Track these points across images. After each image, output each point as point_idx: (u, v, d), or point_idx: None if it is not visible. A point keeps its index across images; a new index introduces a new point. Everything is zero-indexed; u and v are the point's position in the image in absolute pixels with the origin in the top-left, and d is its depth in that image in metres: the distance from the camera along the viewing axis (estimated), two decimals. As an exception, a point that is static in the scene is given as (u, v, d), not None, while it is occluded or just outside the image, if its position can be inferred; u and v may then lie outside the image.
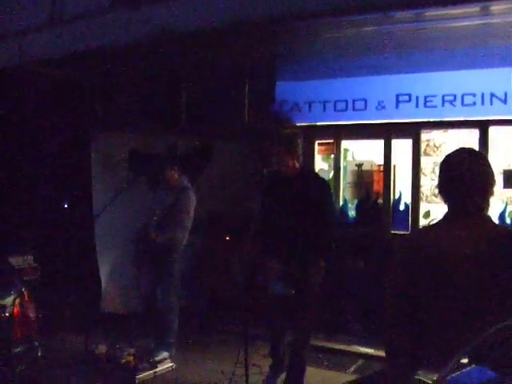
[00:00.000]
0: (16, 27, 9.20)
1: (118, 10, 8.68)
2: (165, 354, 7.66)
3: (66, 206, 9.64)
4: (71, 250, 9.09)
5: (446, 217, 3.28)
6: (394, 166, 9.10)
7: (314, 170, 8.98)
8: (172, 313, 7.71)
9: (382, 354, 3.33)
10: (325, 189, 6.41)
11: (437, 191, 3.34)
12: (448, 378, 2.27)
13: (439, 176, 3.31)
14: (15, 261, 7.76)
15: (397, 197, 9.14)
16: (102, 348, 7.48)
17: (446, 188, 3.26)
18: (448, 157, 3.33)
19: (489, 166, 3.24)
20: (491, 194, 3.23)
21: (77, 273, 8.81)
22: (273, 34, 7.71)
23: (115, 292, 9.05)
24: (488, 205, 3.23)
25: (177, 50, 8.31)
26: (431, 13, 7.00)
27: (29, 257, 8.17)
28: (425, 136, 8.97)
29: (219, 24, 7.50)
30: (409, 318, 3.14)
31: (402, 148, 9.07)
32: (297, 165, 6.35)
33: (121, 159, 8.70)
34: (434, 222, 3.60)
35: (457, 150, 3.35)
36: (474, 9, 6.88)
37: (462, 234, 3.09)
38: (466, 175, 3.14)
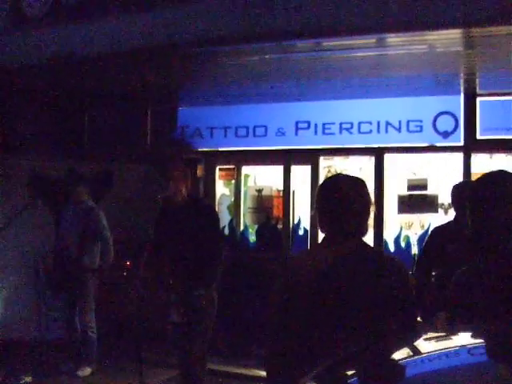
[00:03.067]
0: None
1: (20, 31, 8.58)
2: (88, 369, 7.73)
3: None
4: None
5: (321, 242, 3.32)
6: (294, 192, 9.24)
7: (203, 197, 9.02)
8: (92, 332, 7.74)
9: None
10: (212, 216, 6.49)
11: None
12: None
13: (315, 202, 3.35)
14: None
15: (296, 222, 9.27)
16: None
17: (320, 214, 3.29)
18: (323, 183, 3.40)
19: (364, 190, 3.25)
20: (366, 219, 3.27)
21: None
22: (175, 60, 7.75)
23: (11, 318, 8.80)
24: (364, 230, 3.26)
25: (80, 73, 8.24)
26: (329, 43, 7.20)
27: None
28: (325, 162, 9.16)
29: (121, 48, 7.52)
30: (286, 340, 3.18)
31: (301, 174, 9.22)
32: (186, 192, 6.40)
33: (19, 182, 8.52)
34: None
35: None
36: (371, 40, 7.12)
37: (328, 254, 3.13)
38: (337, 201, 3.17)
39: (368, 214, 3.24)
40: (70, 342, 7.83)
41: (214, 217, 6.52)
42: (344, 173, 3.59)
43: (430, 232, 6.20)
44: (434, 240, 5.94)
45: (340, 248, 3.14)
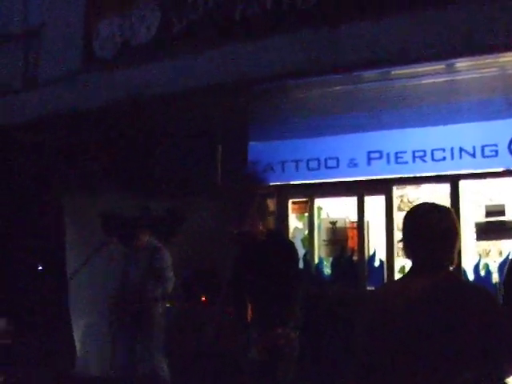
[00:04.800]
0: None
1: (92, 73, 8.82)
2: None
3: (40, 268, 9.56)
4: (45, 314, 8.97)
5: (409, 272, 3.26)
6: (368, 223, 9.13)
7: (282, 232, 8.98)
8: (162, 371, 7.67)
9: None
10: (292, 252, 6.43)
11: (401, 246, 3.34)
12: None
13: (402, 231, 3.30)
14: None
15: (371, 253, 9.15)
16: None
17: (407, 243, 3.25)
18: (410, 212, 3.33)
19: (451, 220, 3.21)
20: (455, 248, 3.21)
21: (51, 336, 8.68)
22: (245, 96, 7.83)
23: (90, 355, 8.92)
24: (453, 259, 3.20)
25: (151, 112, 8.39)
26: (397, 71, 7.16)
27: (2, 320, 8.06)
28: (398, 192, 9.04)
29: (193, 86, 7.65)
30: (372, 372, 3.12)
31: (375, 204, 9.12)
32: (265, 228, 6.37)
33: (93, 222, 8.67)
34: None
35: (420, 204, 3.35)
36: (439, 66, 7.05)
37: (417, 286, 3.07)
38: (426, 231, 3.13)
39: (456, 243, 3.18)
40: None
41: (294, 253, 6.46)
42: (427, 201, 3.51)
43: (509, 263, 5.90)
44: None
45: (430, 278, 3.09)
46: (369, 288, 8.88)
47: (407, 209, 9.08)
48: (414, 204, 8.99)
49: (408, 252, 3.24)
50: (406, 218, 3.28)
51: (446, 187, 8.59)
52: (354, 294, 8.83)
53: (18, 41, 10.73)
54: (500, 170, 8.19)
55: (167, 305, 7.94)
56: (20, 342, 8.27)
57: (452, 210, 3.30)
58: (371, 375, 3.11)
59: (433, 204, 3.35)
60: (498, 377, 2.99)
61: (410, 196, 9.23)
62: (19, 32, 10.90)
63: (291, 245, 6.69)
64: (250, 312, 6.42)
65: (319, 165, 9.09)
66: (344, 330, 8.52)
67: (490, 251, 8.67)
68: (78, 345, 8.88)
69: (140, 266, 7.80)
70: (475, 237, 8.37)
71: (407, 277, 3.25)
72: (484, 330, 2.93)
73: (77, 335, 8.86)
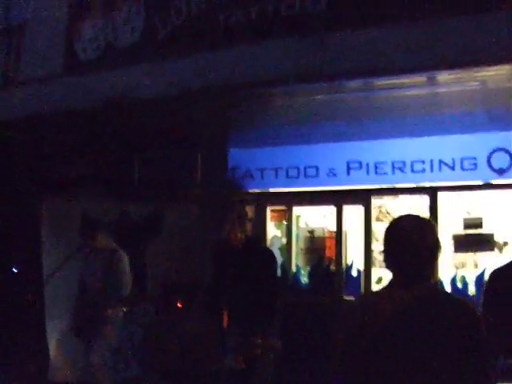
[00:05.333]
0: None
1: (73, 76, 8.76)
2: None
3: (14, 270, 9.44)
4: (19, 317, 8.87)
5: (390, 283, 3.24)
6: (346, 232, 9.14)
7: (261, 240, 8.98)
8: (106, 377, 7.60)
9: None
10: (270, 260, 6.42)
11: (382, 258, 3.31)
12: None
13: (384, 242, 3.28)
14: None
15: (349, 263, 9.16)
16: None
17: (389, 255, 3.23)
18: (392, 223, 3.31)
19: (434, 233, 3.20)
20: (436, 261, 3.21)
21: (24, 341, 8.58)
22: (226, 102, 7.81)
23: (63, 361, 8.82)
24: (434, 272, 3.21)
25: (132, 116, 8.35)
26: (380, 82, 7.18)
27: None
28: (376, 202, 9.06)
29: (175, 91, 7.61)
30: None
31: (353, 214, 9.13)
32: (244, 235, 6.36)
33: (71, 224, 8.59)
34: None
35: (402, 216, 3.32)
36: (421, 78, 7.08)
37: (400, 299, 3.06)
38: (409, 243, 3.11)
39: (438, 256, 3.17)
40: None
41: (272, 261, 6.46)
42: (409, 213, 3.50)
43: (489, 276, 5.87)
44: (495, 285, 5.62)
45: (413, 291, 3.07)
46: (346, 297, 8.90)
47: (385, 219, 9.19)
48: (392, 215, 9.11)
49: (389, 264, 3.21)
50: (389, 230, 3.25)
51: (424, 199, 8.63)
52: (331, 304, 8.84)
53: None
54: (479, 183, 8.25)
55: (123, 309, 7.79)
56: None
57: (433, 222, 3.29)
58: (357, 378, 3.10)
59: (416, 216, 3.34)
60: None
61: (388, 207, 9.26)
62: (0, 28, 10.78)
63: (270, 252, 6.69)
64: (226, 319, 6.40)
65: (298, 173, 9.10)
66: (321, 339, 8.55)
67: (466, 263, 8.71)
68: (51, 352, 8.77)
69: (97, 269, 7.67)
70: (453, 249, 8.40)
71: (388, 288, 3.23)
72: (465, 344, 2.93)
73: (51, 342, 8.75)
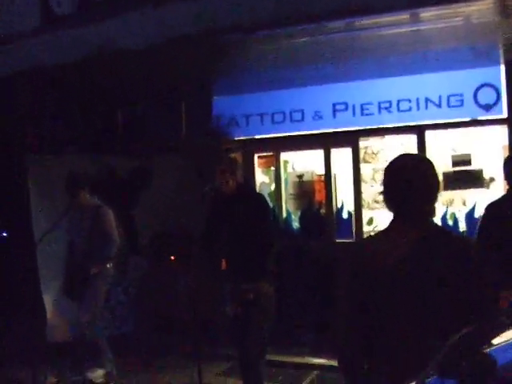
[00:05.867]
0: None
1: (51, 31, 8.56)
2: (99, 371, 7.58)
3: (4, 234, 9.37)
4: (13, 280, 8.84)
5: (392, 224, 3.21)
6: (335, 175, 9.13)
7: (252, 186, 8.95)
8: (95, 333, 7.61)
9: (335, 363, 3.27)
10: (263, 207, 6.40)
11: (380, 198, 3.27)
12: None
13: (384, 183, 3.23)
14: None
15: (339, 205, 9.16)
16: (52, 379, 7.32)
17: (391, 195, 3.19)
18: (392, 163, 3.23)
19: (433, 170, 3.16)
20: (437, 199, 3.19)
21: (20, 303, 8.57)
22: (207, 49, 7.67)
23: (60, 320, 8.82)
24: (435, 210, 3.18)
25: (112, 69, 8.19)
26: (362, 22, 7.06)
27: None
28: (362, 143, 9.03)
29: (154, 41, 7.45)
30: (360, 330, 3.10)
31: (340, 157, 9.10)
32: (235, 183, 6.32)
33: (58, 182, 8.50)
34: (378, 229, 3.55)
35: (401, 156, 3.26)
36: (404, 16, 6.97)
37: (405, 239, 3.04)
38: (411, 183, 3.07)
39: (437, 194, 3.14)
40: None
41: (265, 207, 6.43)
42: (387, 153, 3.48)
43: (484, 211, 5.90)
44: (491, 219, 5.65)
45: (417, 231, 3.05)
46: (338, 240, 8.92)
47: (372, 161, 9.18)
48: (379, 156, 9.09)
49: (390, 204, 3.18)
50: (388, 170, 3.20)
51: (412, 138, 8.60)
52: (323, 247, 8.87)
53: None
54: (466, 119, 8.21)
55: (110, 265, 7.72)
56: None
57: (431, 161, 3.24)
58: (362, 331, 3.09)
59: (414, 155, 3.34)
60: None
61: (373, 147, 9.25)
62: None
63: (262, 198, 6.66)
64: (221, 268, 6.41)
65: (284, 118, 9.04)
66: (314, 283, 8.60)
67: (453, 200, 8.75)
68: (48, 312, 8.78)
69: (83, 227, 7.60)
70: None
71: (391, 230, 3.19)
72: (471, 280, 2.93)
73: (47, 302, 8.74)
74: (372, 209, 9.12)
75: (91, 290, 7.48)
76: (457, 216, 8.48)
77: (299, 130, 9.02)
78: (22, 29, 8.98)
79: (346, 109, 8.69)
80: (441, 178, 8.34)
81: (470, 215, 8.21)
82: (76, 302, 7.66)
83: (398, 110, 8.41)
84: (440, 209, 8.54)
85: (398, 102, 8.39)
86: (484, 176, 8.37)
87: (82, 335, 7.56)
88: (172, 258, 8.89)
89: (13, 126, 9.08)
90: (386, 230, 3.21)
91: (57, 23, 8.76)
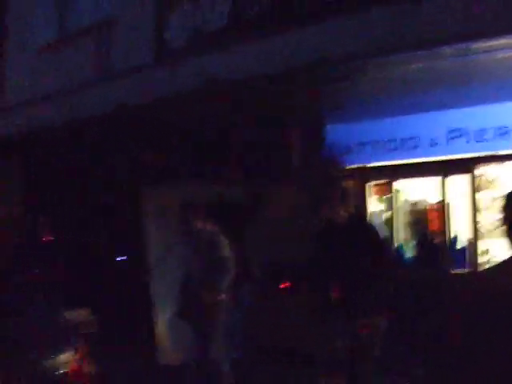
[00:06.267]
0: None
1: (164, 64, 8.81)
2: None
3: (121, 258, 9.64)
4: (127, 303, 9.04)
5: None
6: (448, 204, 8.91)
7: (364, 216, 8.84)
8: (220, 362, 7.58)
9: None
10: (376, 237, 6.30)
11: (501, 225, 3.05)
12: None
13: (504, 209, 3.00)
14: (71, 315, 7.53)
15: (453, 235, 8.91)
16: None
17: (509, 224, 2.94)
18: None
19: None
20: None
21: (132, 325, 8.75)
22: (321, 78, 7.70)
23: (173, 344, 8.96)
24: None
25: (225, 99, 8.32)
26: (478, 45, 6.93)
27: (85, 310, 8.09)
28: (478, 171, 8.79)
29: (266, 71, 7.55)
30: None
31: (456, 185, 8.89)
32: (347, 212, 6.25)
33: (173, 211, 8.68)
34: (494, 260, 3.29)
35: None
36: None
37: None
38: None
39: None
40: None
41: (378, 238, 6.34)
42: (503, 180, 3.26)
43: None
44: None
45: None
46: (452, 271, 8.68)
47: (487, 188, 8.90)
48: (495, 182, 8.80)
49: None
50: (508, 198, 2.98)
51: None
52: (437, 278, 8.64)
53: (89, 33, 10.79)
54: None
55: (225, 292, 7.75)
56: (104, 333, 8.30)
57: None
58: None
59: None
60: None
61: (489, 174, 8.97)
62: (90, 25, 10.96)
63: (374, 229, 6.57)
64: (333, 299, 6.30)
65: (399, 145, 8.91)
66: (428, 316, 8.36)
67: None
68: (161, 334, 8.92)
69: (199, 253, 7.66)
70: None
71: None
72: None
73: (159, 326, 8.89)
74: (488, 238, 8.83)
75: (208, 315, 7.52)
76: None
77: (414, 158, 8.87)
78: (137, 62, 9.31)
79: (462, 135, 8.50)
80: None
81: None
82: (190, 326, 7.73)
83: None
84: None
85: (516, 127, 8.14)
86: None
87: (196, 360, 7.62)
88: (283, 285, 8.89)
89: (128, 159, 9.35)
90: (505, 262, 2.93)
91: (171, 56, 9.02)
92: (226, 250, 7.53)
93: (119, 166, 9.32)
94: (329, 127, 9.27)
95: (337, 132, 9.23)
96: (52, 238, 9.38)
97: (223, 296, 7.57)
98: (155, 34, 9.45)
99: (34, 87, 10.92)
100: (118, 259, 9.61)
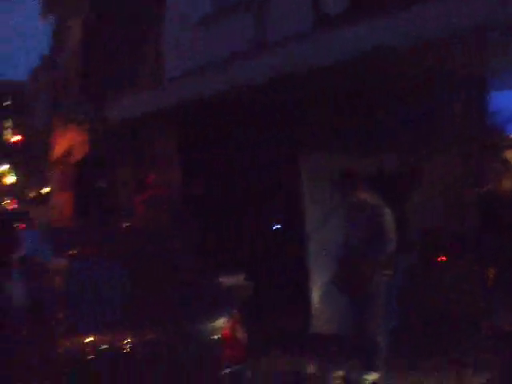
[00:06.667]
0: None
1: (321, 31, 8.74)
2: (374, 375, 7.39)
3: (277, 226, 9.72)
4: (282, 269, 9.12)
5: None
6: None
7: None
8: (376, 334, 7.48)
9: None
10: None
11: None
12: None
13: None
14: (226, 279, 7.61)
15: None
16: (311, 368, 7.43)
17: None
18: None
19: None
20: None
21: (287, 292, 8.82)
22: (483, 45, 7.42)
23: (326, 313, 8.97)
24: None
25: (383, 68, 8.15)
26: None
27: (240, 275, 8.20)
28: None
29: (427, 38, 7.33)
30: None
31: None
32: (510, 183, 5.97)
33: (328, 179, 8.66)
34: None
35: None
36: None
37: None
38: None
39: None
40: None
41: None
42: None
43: None
44: None
45: None
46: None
47: None
48: None
49: None
50: None
51: None
52: None
53: (248, 6, 10.88)
54: None
55: (386, 271, 7.61)
56: (258, 299, 8.43)
57: None
58: None
59: None
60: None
61: None
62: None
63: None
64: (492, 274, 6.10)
65: None
66: None
67: None
68: (314, 303, 8.96)
69: (360, 225, 7.53)
70: None
71: None
72: None
73: (314, 294, 8.92)
74: None
75: (366, 288, 7.44)
76: None
77: None
78: (293, 31, 9.29)
79: None
80: None
81: None
82: (347, 298, 7.69)
83: None
84: None
85: None
86: None
87: (352, 331, 7.57)
88: (443, 258, 8.68)
89: (286, 126, 9.36)
90: None
91: (329, 23, 8.93)
92: (389, 221, 7.41)
93: (277, 136, 9.36)
94: (493, 94, 8.88)
95: (501, 99, 8.83)
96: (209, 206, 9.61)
97: (383, 267, 7.47)
98: (312, 2, 9.41)
99: (192, 60, 11.18)
100: (274, 227, 9.69)
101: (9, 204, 26.25)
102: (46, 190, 29.70)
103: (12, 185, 46.35)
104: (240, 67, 9.36)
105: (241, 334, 6.01)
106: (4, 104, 52.55)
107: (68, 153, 19.27)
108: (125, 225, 10.33)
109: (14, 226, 8.63)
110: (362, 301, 7.46)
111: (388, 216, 7.40)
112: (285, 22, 9.73)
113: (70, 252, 6.18)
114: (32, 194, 34.20)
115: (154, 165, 12.77)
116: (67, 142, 19.08)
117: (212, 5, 11.36)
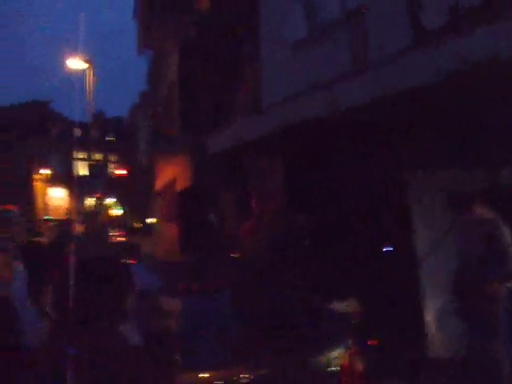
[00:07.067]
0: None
1: (421, 47, 8.49)
2: None
3: (388, 249, 9.48)
4: (394, 293, 8.88)
5: None
6: None
7: None
8: (500, 356, 7.10)
9: None
10: None
11: None
12: None
13: None
14: (339, 305, 7.36)
15: None
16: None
17: None
18: None
19: None
20: None
21: (398, 316, 8.59)
22: None
23: (442, 337, 8.67)
24: None
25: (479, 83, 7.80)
26: None
27: (353, 301, 8.03)
28: None
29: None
30: None
31: None
32: None
33: (436, 200, 8.41)
34: None
35: None
36: None
37: None
38: None
39: None
40: None
41: None
42: None
43: None
44: None
45: None
46: None
47: None
48: None
49: None
50: None
51: None
52: None
53: (340, 25, 10.75)
54: None
55: (504, 286, 7.23)
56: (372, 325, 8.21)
57: None
58: None
59: None
60: None
61: None
62: (340, 17, 10.93)
63: None
64: None
65: None
66: None
67: None
68: (427, 328, 8.68)
69: (477, 242, 7.20)
70: None
71: None
72: None
73: (427, 317, 8.65)
74: None
75: (485, 311, 7.12)
76: None
77: None
78: (393, 48, 9.08)
79: None
80: None
81: None
82: (466, 322, 7.38)
83: None
84: None
85: None
86: None
87: (473, 355, 7.26)
88: None
89: (395, 145, 9.13)
90: None
91: (428, 38, 8.66)
92: (508, 237, 7.07)
93: (385, 156, 9.13)
94: None
95: None
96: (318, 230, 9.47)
97: (504, 288, 7.13)
98: (410, 17, 9.17)
99: (291, 85, 11.13)
100: (384, 249, 9.45)
101: (117, 236, 27.01)
102: (151, 220, 30.43)
103: (118, 217, 47.65)
104: (342, 88, 9.20)
105: (359, 365, 5.78)
106: (108, 139, 54.41)
107: (171, 184, 19.59)
108: (233, 256, 10.31)
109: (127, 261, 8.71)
110: (484, 324, 7.14)
111: (507, 231, 7.08)
112: (384, 40, 9.54)
113: (181, 286, 6.15)
114: (137, 225, 35.07)
115: (259, 193, 12.76)
116: (170, 173, 19.41)
117: (308, 27, 11.30)
